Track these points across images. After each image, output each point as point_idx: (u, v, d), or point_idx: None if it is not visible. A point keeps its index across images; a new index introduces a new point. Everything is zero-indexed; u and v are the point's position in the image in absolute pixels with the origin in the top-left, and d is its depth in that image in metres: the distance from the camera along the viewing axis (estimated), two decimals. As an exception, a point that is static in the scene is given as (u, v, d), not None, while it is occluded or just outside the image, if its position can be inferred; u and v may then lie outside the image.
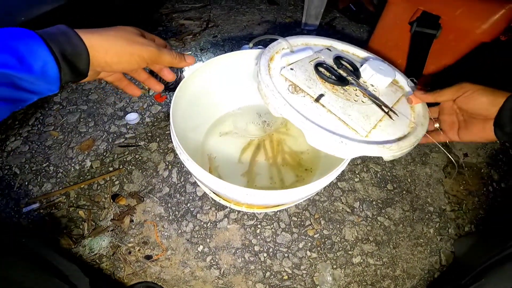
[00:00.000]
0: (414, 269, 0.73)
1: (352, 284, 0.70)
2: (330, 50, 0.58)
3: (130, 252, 0.71)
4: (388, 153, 0.44)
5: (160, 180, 0.82)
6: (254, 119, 0.82)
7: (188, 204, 0.78)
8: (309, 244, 0.74)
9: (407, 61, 0.90)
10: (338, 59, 0.55)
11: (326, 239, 0.75)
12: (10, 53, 0.30)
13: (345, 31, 1.40)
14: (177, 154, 0.55)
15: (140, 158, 0.86)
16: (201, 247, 0.72)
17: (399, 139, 0.47)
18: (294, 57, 0.53)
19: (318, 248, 0.74)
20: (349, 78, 0.53)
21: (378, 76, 0.53)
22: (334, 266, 0.72)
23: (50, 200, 0.77)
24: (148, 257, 0.70)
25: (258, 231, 0.75)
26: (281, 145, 0.78)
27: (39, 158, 0.85)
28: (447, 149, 0.95)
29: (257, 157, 0.76)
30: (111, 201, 0.78)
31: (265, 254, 0.72)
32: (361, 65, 0.55)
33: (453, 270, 0.74)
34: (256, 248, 0.73)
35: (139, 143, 0.89)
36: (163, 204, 0.78)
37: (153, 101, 1.01)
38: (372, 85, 0.54)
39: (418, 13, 0.83)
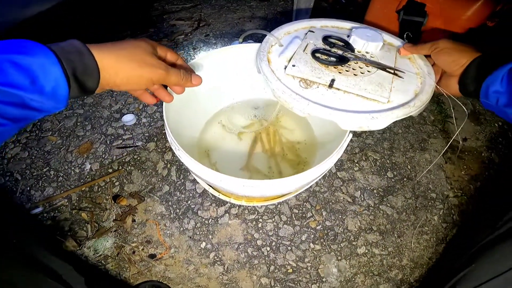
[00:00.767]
0: (422, 258, 0.72)
1: (358, 275, 0.69)
2: (313, 31, 0.59)
3: (134, 252, 0.71)
4: (415, 110, 0.46)
5: (159, 179, 0.82)
6: (249, 113, 0.82)
7: (189, 202, 0.78)
8: (312, 236, 0.74)
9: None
10: (326, 39, 0.56)
11: (329, 231, 0.75)
12: (23, 73, 0.30)
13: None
14: (175, 153, 0.55)
15: (138, 158, 0.86)
16: (204, 243, 0.73)
17: (416, 94, 0.48)
18: (288, 51, 0.54)
19: (322, 240, 0.73)
20: (347, 54, 0.54)
21: (370, 43, 0.54)
22: (339, 258, 0.71)
23: (52, 204, 0.78)
24: (152, 256, 0.71)
25: (259, 225, 0.75)
26: (277, 137, 0.78)
27: (39, 163, 0.85)
28: (446, 134, 0.95)
29: (255, 150, 0.76)
30: (113, 202, 0.78)
31: (268, 248, 0.72)
32: (348, 37, 0.57)
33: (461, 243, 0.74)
34: (259, 242, 0.73)
35: (137, 144, 0.89)
36: (164, 203, 0.78)
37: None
38: (368, 53, 0.55)
39: (404, 2, 0.84)
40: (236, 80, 0.77)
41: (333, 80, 0.48)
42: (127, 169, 0.84)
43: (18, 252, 0.46)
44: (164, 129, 0.92)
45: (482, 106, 0.54)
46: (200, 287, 0.67)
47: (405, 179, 0.84)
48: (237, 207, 0.77)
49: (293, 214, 0.77)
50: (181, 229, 0.74)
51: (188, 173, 0.83)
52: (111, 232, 0.74)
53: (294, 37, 0.56)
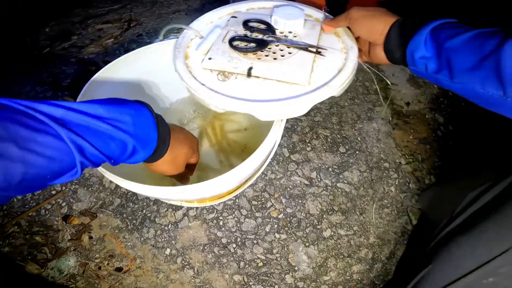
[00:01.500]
0: (387, 234, 0.73)
1: (329, 259, 0.70)
2: (235, 17, 0.56)
3: (100, 268, 0.68)
4: (337, 89, 0.44)
5: (108, 193, 0.78)
6: (190, 110, 0.79)
7: (144, 211, 0.75)
8: (276, 226, 0.74)
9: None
10: (246, 23, 0.53)
11: (291, 218, 0.75)
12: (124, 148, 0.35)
13: None
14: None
15: (82, 175, 0.81)
16: (168, 250, 0.71)
17: (340, 70, 0.47)
18: (207, 43, 0.50)
19: (286, 228, 0.73)
20: (266, 37, 0.51)
21: (290, 22, 0.52)
22: (306, 244, 0.71)
23: (4, 232, 0.73)
24: (119, 269, 0.69)
25: (221, 223, 0.74)
26: (223, 130, 0.76)
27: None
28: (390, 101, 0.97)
29: (203, 147, 0.73)
30: (64, 223, 0.74)
31: (234, 245, 0.71)
32: (271, 17, 0.54)
33: (425, 228, 0.73)
34: (224, 241, 0.72)
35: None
36: (118, 216, 0.75)
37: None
38: (290, 32, 0.53)
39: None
40: (168, 79, 0.72)
41: (250, 68, 0.46)
42: (71, 188, 0.79)
43: None
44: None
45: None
46: (174, 293, 0.66)
47: (357, 152, 0.86)
48: (194, 209, 0.75)
49: (252, 207, 0.76)
50: (142, 239, 0.72)
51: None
52: (70, 251, 0.70)
53: (216, 26, 0.53)
